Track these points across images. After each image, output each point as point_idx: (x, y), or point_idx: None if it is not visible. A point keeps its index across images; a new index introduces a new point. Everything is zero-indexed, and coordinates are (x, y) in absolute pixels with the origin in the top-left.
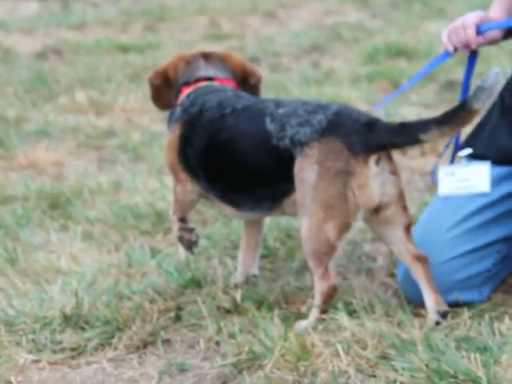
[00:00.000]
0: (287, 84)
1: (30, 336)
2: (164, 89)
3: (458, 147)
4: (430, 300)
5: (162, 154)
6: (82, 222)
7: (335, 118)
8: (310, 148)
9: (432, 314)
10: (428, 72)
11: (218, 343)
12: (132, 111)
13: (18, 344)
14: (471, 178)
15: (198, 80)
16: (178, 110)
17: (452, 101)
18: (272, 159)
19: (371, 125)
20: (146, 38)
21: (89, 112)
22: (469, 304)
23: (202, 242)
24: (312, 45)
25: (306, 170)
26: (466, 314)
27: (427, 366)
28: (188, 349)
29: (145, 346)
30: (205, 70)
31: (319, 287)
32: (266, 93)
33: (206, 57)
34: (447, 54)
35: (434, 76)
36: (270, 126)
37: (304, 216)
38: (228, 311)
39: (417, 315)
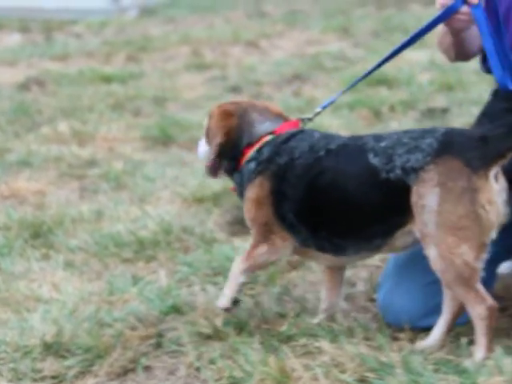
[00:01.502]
0: None
1: (11, 365)
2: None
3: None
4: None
5: (144, 183)
6: (64, 251)
7: (445, 138)
8: (425, 172)
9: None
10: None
11: (198, 369)
12: (114, 141)
13: None
14: None
15: (261, 138)
16: (253, 165)
17: None
18: (382, 193)
19: (485, 138)
20: (129, 68)
21: (71, 142)
22: None
23: (184, 269)
24: (294, 74)
25: (427, 196)
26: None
27: None
28: (168, 375)
29: (125, 372)
30: (261, 124)
31: (477, 314)
32: None
33: (252, 108)
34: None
35: (414, 104)
36: (375, 160)
37: (431, 245)
38: (208, 337)
39: (395, 339)
